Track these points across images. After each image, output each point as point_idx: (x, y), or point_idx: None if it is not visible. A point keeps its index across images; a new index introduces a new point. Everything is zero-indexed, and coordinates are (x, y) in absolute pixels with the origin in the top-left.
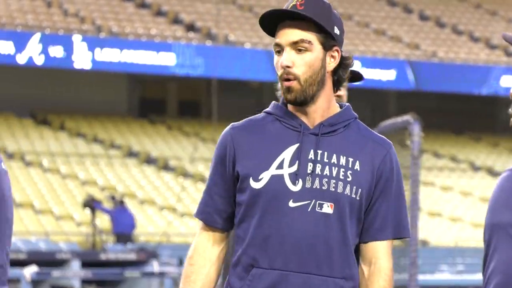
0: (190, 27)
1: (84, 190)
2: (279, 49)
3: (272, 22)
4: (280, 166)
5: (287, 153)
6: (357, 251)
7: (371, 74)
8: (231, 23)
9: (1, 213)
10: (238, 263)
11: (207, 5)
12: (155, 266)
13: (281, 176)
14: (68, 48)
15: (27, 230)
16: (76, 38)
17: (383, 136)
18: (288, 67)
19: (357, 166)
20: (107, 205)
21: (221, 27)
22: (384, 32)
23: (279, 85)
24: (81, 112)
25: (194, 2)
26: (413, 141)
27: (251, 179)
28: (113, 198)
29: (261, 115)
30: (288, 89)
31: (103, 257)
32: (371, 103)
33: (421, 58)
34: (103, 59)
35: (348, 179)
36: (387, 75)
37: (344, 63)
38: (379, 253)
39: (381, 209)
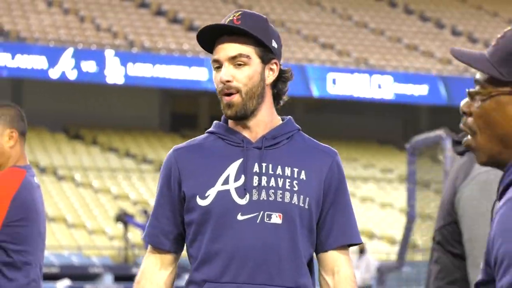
0: None
1: (116, 204)
2: (218, 65)
3: (210, 37)
4: (225, 182)
5: (232, 169)
6: (311, 262)
7: (403, 89)
8: None
9: (34, 227)
10: (191, 281)
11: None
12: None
13: (227, 191)
14: (101, 63)
15: (60, 244)
16: (109, 53)
17: (328, 146)
18: (228, 81)
19: (302, 176)
20: (139, 219)
21: None
22: (416, 47)
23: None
24: (113, 127)
25: None
26: (445, 156)
27: (197, 197)
28: (145, 212)
29: (204, 135)
30: (229, 105)
31: (135, 271)
32: (403, 119)
33: (453, 73)
34: (135, 74)
35: (295, 189)
36: (420, 90)
37: (283, 76)
38: (340, 261)
39: (336, 218)
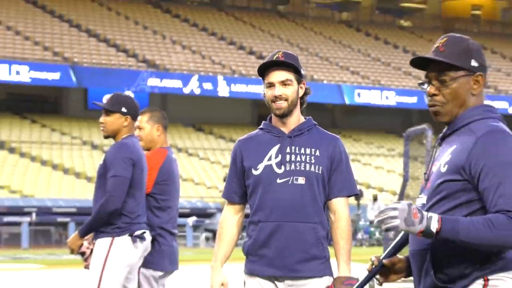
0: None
1: (224, 171)
2: (270, 85)
3: (263, 68)
4: (269, 159)
5: (273, 151)
6: (325, 207)
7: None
8: (315, 68)
9: (172, 185)
10: (251, 222)
11: (292, 48)
12: None
13: (270, 165)
14: (214, 84)
15: (189, 195)
16: (220, 78)
17: (334, 134)
18: (280, 95)
19: (317, 153)
20: None
21: (308, 70)
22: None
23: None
24: (222, 123)
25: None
26: (427, 141)
27: (252, 169)
28: None
29: (256, 130)
30: (279, 109)
31: None
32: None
33: None
34: (236, 90)
35: (312, 162)
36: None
37: (306, 92)
38: (339, 205)
39: (338, 178)
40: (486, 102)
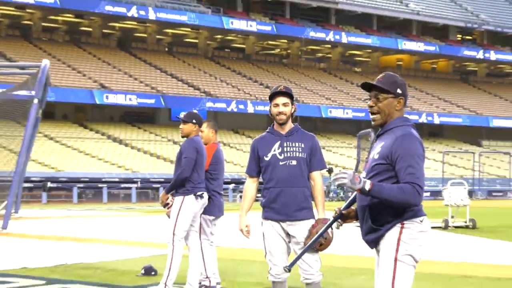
0: None
1: None
2: (276, 105)
3: (272, 94)
4: (274, 150)
5: (276, 145)
6: (309, 178)
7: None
8: (304, 96)
9: (220, 167)
10: (265, 188)
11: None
12: None
13: (275, 154)
14: (245, 106)
15: (230, 171)
16: (249, 102)
17: (312, 133)
18: (282, 111)
19: (302, 145)
20: None
21: (300, 97)
22: None
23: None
24: (249, 128)
25: None
26: (371, 138)
27: (264, 156)
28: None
29: (265, 132)
30: (281, 119)
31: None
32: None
33: None
34: (257, 109)
35: (300, 150)
36: None
37: (295, 110)
38: (316, 176)
39: (314, 159)
40: (405, 115)
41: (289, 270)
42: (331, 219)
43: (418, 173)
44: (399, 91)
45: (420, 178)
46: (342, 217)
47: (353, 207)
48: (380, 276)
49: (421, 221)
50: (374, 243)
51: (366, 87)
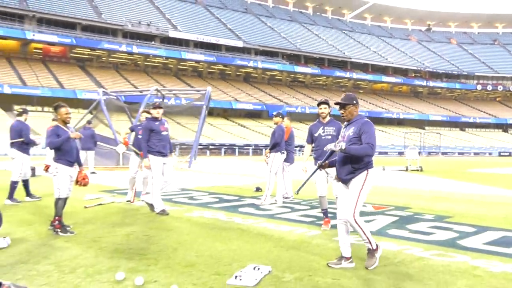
0: None
1: None
2: (320, 108)
3: (319, 103)
4: (319, 130)
5: (320, 128)
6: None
7: None
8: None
9: (293, 140)
10: (315, 150)
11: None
12: None
13: (320, 132)
14: (303, 109)
15: (297, 143)
16: (307, 107)
17: (339, 122)
18: (324, 112)
19: (334, 128)
20: None
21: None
22: None
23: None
24: (309, 120)
25: None
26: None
27: (314, 134)
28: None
29: (316, 121)
30: (323, 117)
31: None
32: None
33: None
34: (312, 111)
35: (332, 131)
36: None
37: (330, 110)
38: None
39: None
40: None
41: (297, 193)
42: (315, 168)
43: (371, 139)
44: (354, 101)
45: (373, 141)
46: (322, 166)
47: (326, 162)
48: (348, 197)
49: (375, 170)
50: (348, 180)
51: (338, 104)
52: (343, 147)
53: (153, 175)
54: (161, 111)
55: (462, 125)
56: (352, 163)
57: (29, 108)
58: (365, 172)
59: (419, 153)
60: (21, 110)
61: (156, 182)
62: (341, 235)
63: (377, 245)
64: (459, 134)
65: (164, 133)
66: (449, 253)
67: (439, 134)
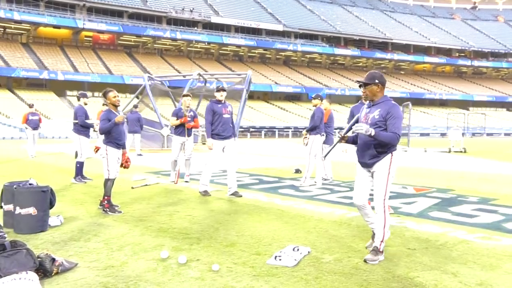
0: None
1: None
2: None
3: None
4: (361, 111)
5: (364, 111)
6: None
7: None
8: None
9: (332, 122)
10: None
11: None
12: None
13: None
14: (343, 91)
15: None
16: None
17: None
18: (365, 92)
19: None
20: None
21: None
22: None
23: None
24: (351, 102)
25: None
26: (409, 109)
27: (356, 114)
28: None
29: (358, 103)
30: (365, 98)
31: None
32: None
33: None
34: (354, 93)
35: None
36: None
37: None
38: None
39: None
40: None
41: (324, 158)
42: (337, 139)
43: (398, 127)
44: (376, 80)
45: (399, 130)
46: (342, 139)
47: (348, 134)
48: (376, 183)
49: (399, 152)
50: (372, 165)
51: (359, 82)
52: (373, 133)
53: (209, 156)
54: (224, 93)
55: (509, 105)
56: (376, 148)
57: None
58: (390, 155)
59: (463, 134)
60: (78, 95)
61: (210, 163)
62: (367, 216)
63: (383, 250)
64: (505, 114)
65: (226, 116)
66: (494, 236)
67: (484, 115)
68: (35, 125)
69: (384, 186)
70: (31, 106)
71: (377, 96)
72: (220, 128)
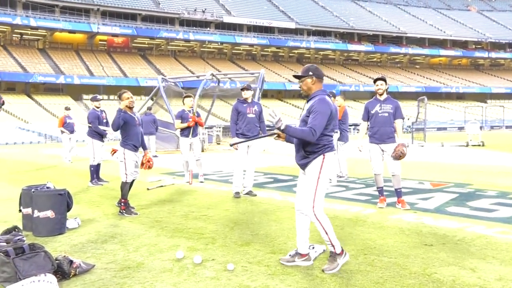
0: None
1: None
2: (376, 85)
3: (375, 80)
4: (376, 108)
5: (377, 105)
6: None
7: None
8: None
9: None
10: (371, 127)
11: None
12: None
13: (377, 110)
14: (357, 87)
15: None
16: (361, 85)
17: (395, 100)
18: (380, 89)
19: (391, 106)
20: None
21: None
22: None
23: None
24: (364, 98)
25: None
26: (425, 103)
27: (370, 111)
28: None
29: (372, 99)
30: (379, 92)
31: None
32: None
33: None
34: (368, 89)
35: (389, 108)
36: None
37: (387, 87)
38: (398, 122)
39: (397, 113)
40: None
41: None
42: (274, 133)
43: (317, 123)
44: (310, 73)
45: (317, 125)
46: (279, 137)
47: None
48: (305, 187)
49: (333, 153)
50: (304, 166)
51: (295, 76)
52: (282, 127)
53: (235, 158)
54: (248, 92)
55: None
56: (304, 147)
57: None
58: (321, 156)
59: (481, 127)
60: (90, 99)
61: (237, 165)
62: (298, 228)
63: (342, 250)
64: None
65: (251, 115)
66: None
67: (503, 107)
68: (72, 129)
69: (313, 191)
70: (68, 108)
71: (312, 90)
72: (244, 127)
